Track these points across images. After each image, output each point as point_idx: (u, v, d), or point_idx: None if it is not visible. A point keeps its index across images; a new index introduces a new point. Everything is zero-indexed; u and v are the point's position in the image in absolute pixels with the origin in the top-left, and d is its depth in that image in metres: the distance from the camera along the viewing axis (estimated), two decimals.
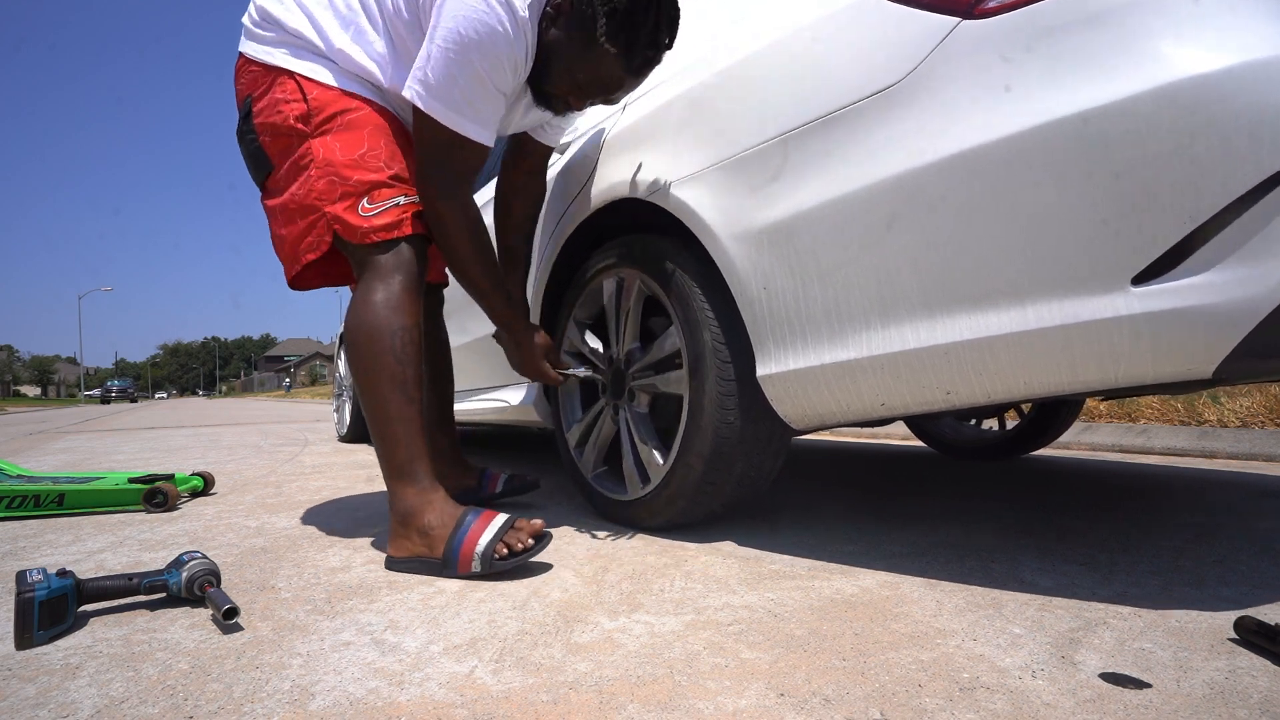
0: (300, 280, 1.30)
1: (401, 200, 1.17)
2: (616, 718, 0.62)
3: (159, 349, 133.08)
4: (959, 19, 0.87)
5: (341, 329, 3.98)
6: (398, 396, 1.13)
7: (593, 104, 1.21)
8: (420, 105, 1.10)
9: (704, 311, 1.18)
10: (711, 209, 1.14)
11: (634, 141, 1.35)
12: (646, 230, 1.40)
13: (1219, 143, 0.71)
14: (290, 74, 1.18)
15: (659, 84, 1.35)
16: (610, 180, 1.37)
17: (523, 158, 1.44)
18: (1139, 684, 0.67)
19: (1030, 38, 0.82)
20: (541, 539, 1.09)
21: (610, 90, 1.16)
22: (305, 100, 1.16)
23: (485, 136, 1.15)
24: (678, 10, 1.12)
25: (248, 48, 1.23)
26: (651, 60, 1.13)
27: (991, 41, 0.84)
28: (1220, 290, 0.73)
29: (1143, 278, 0.76)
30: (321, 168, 1.15)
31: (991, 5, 0.85)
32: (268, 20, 1.20)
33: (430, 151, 1.15)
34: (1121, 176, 0.75)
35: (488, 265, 1.26)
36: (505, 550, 1.05)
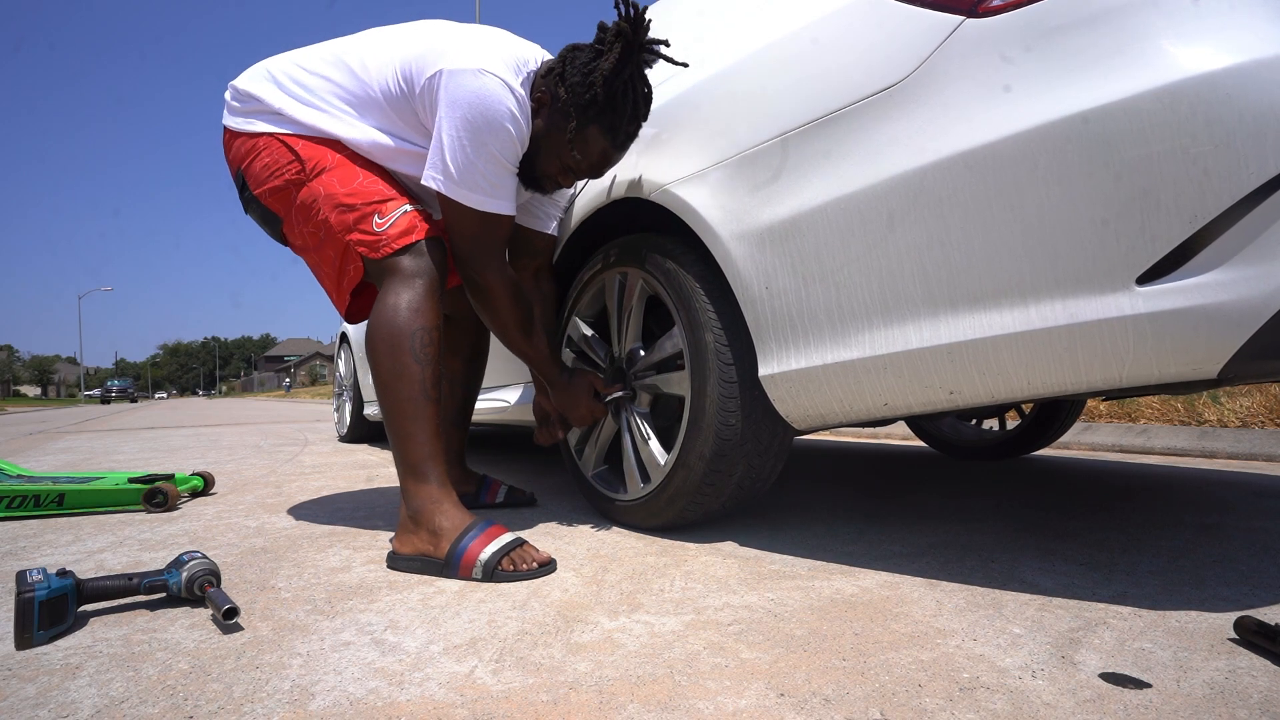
0: (353, 313, 1.37)
1: (408, 208, 1.21)
2: (616, 718, 0.62)
3: (159, 349, 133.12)
4: (962, 17, 0.87)
5: (341, 329, 3.98)
6: (417, 396, 1.15)
7: (580, 179, 1.29)
8: (445, 193, 1.16)
9: (706, 312, 1.18)
10: (713, 208, 1.14)
11: (636, 141, 1.35)
12: (649, 229, 1.40)
13: (1223, 142, 0.71)
14: (272, 136, 1.24)
15: (661, 83, 1.35)
16: (612, 180, 1.37)
17: (528, 259, 1.49)
18: (1139, 684, 0.67)
19: (1034, 36, 0.82)
20: (546, 567, 1.09)
21: (598, 166, 1.24)
22: (296, 155, 1.22)
23: (509, 209, 1.22)
24: (651, 89, 1.20)
25: (231, 122, 1.29)
26: (633, 135, 1.22)
27: (995, 40, 0.84)
28: (1226, 290, 0.73)
29: (1148, 277, 0.76)
30: (325, 202, 1.21)
31: (995, 4, 0.85)
32: (248, 97, 1.27)
33: (463, 235, 1.21)
34: (1126, 175, 0.75)
35: (529, 326, 1.32)
36: (511, 567, 1.06)
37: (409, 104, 1.20)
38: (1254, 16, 0.74)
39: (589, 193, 1.45)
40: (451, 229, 1.22)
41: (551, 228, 1.49)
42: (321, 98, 1.24)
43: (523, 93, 1.16)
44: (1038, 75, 0.81)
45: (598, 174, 1.27)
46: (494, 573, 1.05)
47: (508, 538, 1.09)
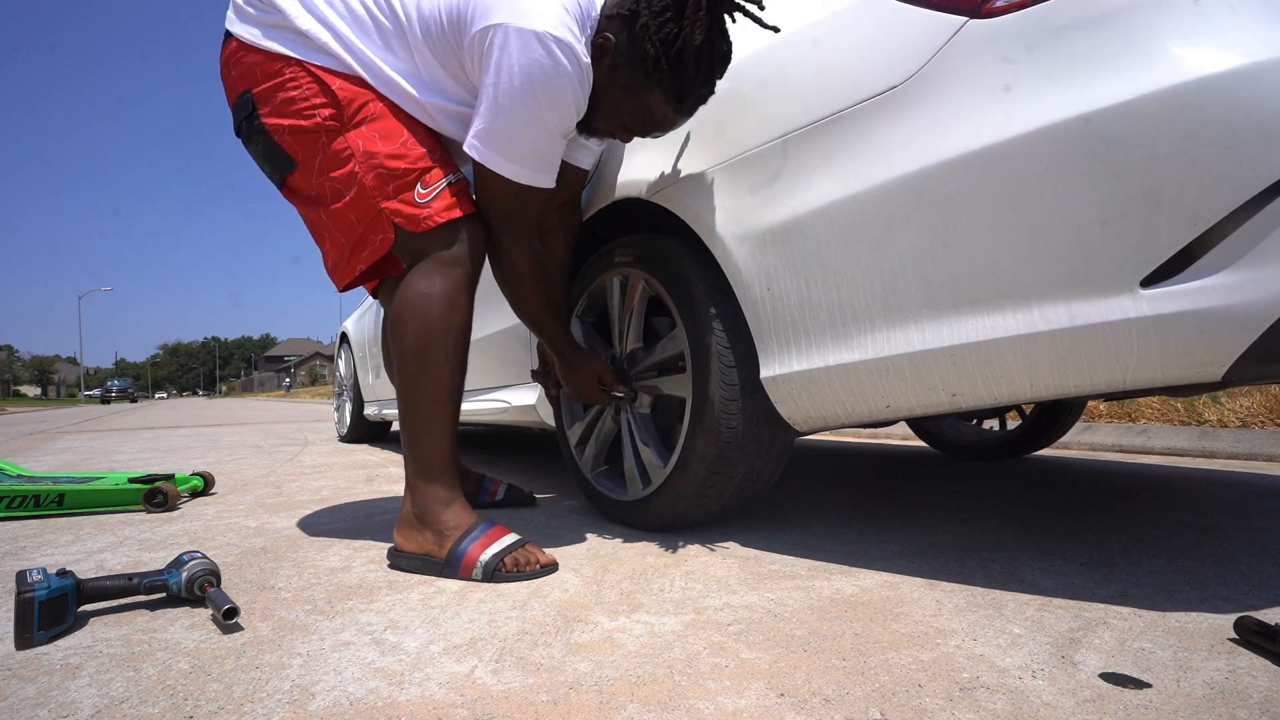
0: (351, 284, 1.23)
1: (452, 179, 1.12)
2: (616, 718, 0.62)
3: (159, 349, 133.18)
4: (966, 18, 0.87)
5: (341, 329, 3.97)
6: (443, 398, 1.11)
7: (639, 137, 1.18)
8: (487, 164, 1.07)
9: (708, 314, 1.18)
10: (715, 209, 1.14)
11: (637, 141, 1.35)
12: (650, 230, 1.40)
13: (1229, 143, 0.71)
14: (302, 65, 1.08)
15: None
16: (613, 180, 1.37)
17: (555, 191, 1.30)
18: (1139, 684, 0.67)
19: (1037, 37, 0.82)
20: (548, 568, 1.09)
21: (658, 128, 1.13)
22: (333, 96, 1.08)
23: (550, 180, 1.13)
24: (730, 45, 1.07)
25: (243, 31, 1.11)
26: (704, 98, 1.09)
27: (999, 41, 0.84)
28: (1231, 293, 0.73)
29: (1152, 280, 0.76)
30: (364, 161, 1.08)
31: (999, 4, 0.85)
32: (270, 7, 1.10)
33: (499, 206, 1.13)
34: (1130, 177, 0.75)
35: (549, 301, 1.27)
36: (514, 567, 1.06)
37: (454, 52, 1.06)
38: (1259, 18, 0.73)
39: (590, 195, 1.45)
40: (483, 198, 1.14)
41: (587, 163, 1.37)
42: (355, 22, 1.09)
43: (587, 58, 1.04)
44: (1041, 76, 0.81)
45: (657, 135, 1.16)
46: (494, 574, 1.05)
47: (509, 539, 1.09)
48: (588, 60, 1.04)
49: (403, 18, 1.07)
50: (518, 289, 1.24)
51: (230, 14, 1.14)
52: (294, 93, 1.09)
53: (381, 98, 1.11)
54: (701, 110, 1.19)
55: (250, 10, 1.11)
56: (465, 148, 1.09)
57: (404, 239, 1.11)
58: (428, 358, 1.09)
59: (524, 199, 1.12)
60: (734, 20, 1.05)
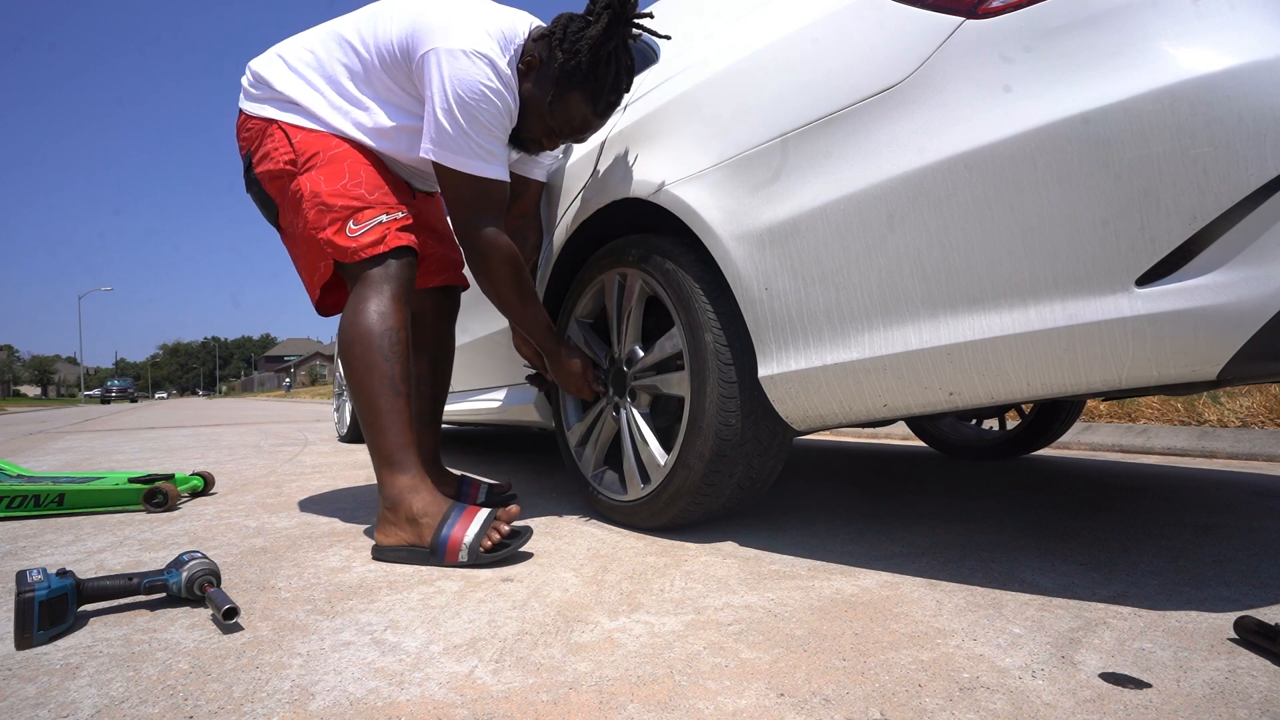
0: (324, 307, 1.42)
1: (384, 218, 1.26)
2: (616, 718, 0.62)
3: (159, 349, 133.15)
4: (962, 18, 0.87)
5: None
6: (387, 390, 1.20)
7: (564, 143, 1.36)
8: (440, 161, 1.21)
9: (706, 312, 1.18)
10: (713, 209, 1.14)
11: (635, 141, 1.35)
12: (648, 230, 1.40)
13: (1223, 143, 0.71)
14: (277, 124, 1.31)
15: (660, 84, 1.35)
16: (611, 181, 1.37)
17: (514, 201, 1.54)
18: (1139, 684, 0.67)
19: (1033, 37, 0.82)
20: (521, 533, 1.16)
21: (579, 131, 1.31)
22: (292, 145, 1.29)
23: (504, 174, 1.27)
24: (634, 61, 1.27)
25: (245, 105, 1.36)
26: (614, 104, 1.29)
27: (995, 41, 0.84)
28: (1225, 291, 0.73)
29: (1147, 279, 0.76)
30: (309, 200, 1.26)
31: (995, 5, 0.85)
32: (261, 81, 1.33)
33: (461, 200, 1.26)
34: (1125, 177, 0.75)
35: (527, 294, 1.36)
36: (488, 543, 1.12)
37: (407, 75, 1.24)
38: (1254, 18, 0.73)
39: (587, 195, 1.45)
40: (447, 196, 1.27)
41: (538, 174, 1.56)
42: (327, 75, 1.29)
43: (509, 71, 1.22)
44: (1037, 76, 0.81)
45: (579, 139, 1.33)
46: (479, 554, 1.11)
47: (482, 516, 1.15)
48: (509, 72, 1.22)
49: (366, 56, 1.27)
50: (494, 279, 1.32)
51: (241, 96, 1.38)
52: (270, 146, 1.31)
53: (341, 145, 1.29)
54: (700, 110, 1.20)
55: (251, 89, 1.35)
56: (420, 153, 1.23)
57: (340, 267, 1.29)
58: (368, 358, 1.20)
59: (482, 190, 1.26)
60: (635, 40, 1.25)
